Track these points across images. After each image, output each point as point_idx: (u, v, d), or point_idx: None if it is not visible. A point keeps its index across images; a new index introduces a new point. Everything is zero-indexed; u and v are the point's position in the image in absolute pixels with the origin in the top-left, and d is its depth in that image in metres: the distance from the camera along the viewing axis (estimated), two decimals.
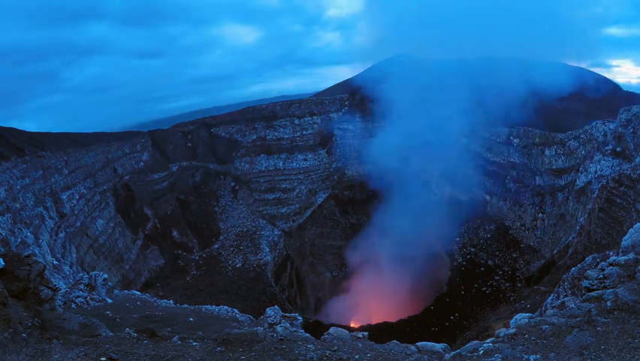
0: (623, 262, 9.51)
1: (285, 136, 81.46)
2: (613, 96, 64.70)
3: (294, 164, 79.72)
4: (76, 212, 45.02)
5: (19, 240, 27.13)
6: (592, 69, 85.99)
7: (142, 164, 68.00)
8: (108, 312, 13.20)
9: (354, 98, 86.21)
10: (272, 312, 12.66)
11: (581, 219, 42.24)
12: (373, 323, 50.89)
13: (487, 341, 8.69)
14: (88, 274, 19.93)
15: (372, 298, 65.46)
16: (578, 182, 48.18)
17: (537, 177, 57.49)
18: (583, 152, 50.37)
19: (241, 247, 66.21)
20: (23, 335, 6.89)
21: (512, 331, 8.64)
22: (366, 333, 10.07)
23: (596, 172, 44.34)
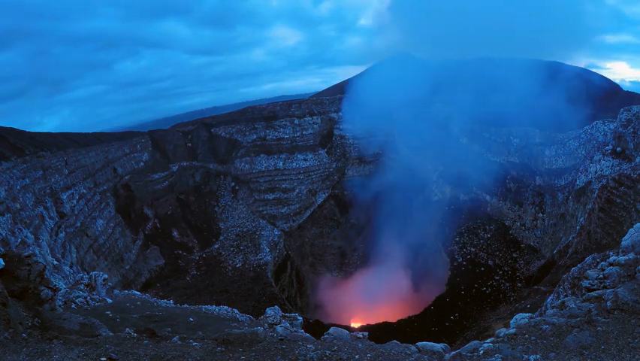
0: (623, 262, 9.50)
1: (285, 136, 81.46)
2: (613, 96, 64.66)
3: (294, 164, 79.71)
4: (76, 212, 45.01)
5: (19, 240, 27.12)
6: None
7: (142, 164, 68.00)
8: (108, 312, 13.19)
9: (354, 97, 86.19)
10: (272, 312, 12.65)
11: (581, 219, 42.23)
12: (373, 323, 50.85)
13: (487, 341, 8.69)
14: (88, 274, 19.93)
15: (372, 298, 65.44)
16: (578, 182, 48.17)
17: (537, 177, 57.47)
18: (583, 152, 50.37)
19: (241, 247, 66.21)
20: (23, 335, 6.89)
21: (512, 331, 8.64)
22: (366, 333, 10.06)
23: (596, 172, 44.34)
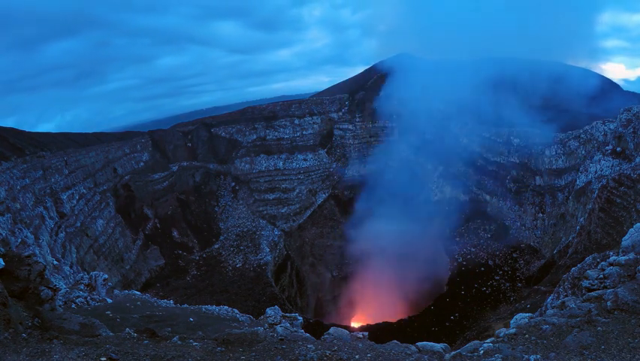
0: (623, 262, 9.50)
1: (285, 136, 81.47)
2: (613, 96, 64.63)
3: (294, 164, 79.71)
4: (76, 212, 45.02)
5: (19, 240, 27.11)
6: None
7: (142, 164, 68.01)
8: (108, 312, 13.19)
9: (354, 97, 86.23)
10: (272, 312, 12.65)
11: (581, 219, 42.19)
12: (373, 323, 50.88)
13: (488, 341, 8.69)
14: (88, 274, 19.92)
15: (372, 298, 65.46)
16: (578, 182, 48.13)
17: (537, 177, 57.44)
18: (583, 152, 50.33)
19: (241, 247, 66.20)
20: (23, 335, 6.89)
21: (512, 331, 8.64)
22: (366, 333, 10.06)
23: (596, 172, 44.30)
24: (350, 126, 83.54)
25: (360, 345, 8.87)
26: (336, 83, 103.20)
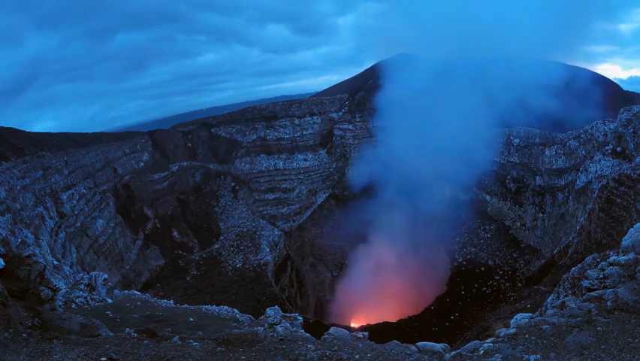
0: (623, 262, 9.51)
1: (285, 136, 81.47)
2: (613, 96, 64.64)
3: (294, 164, 79.72)
4: (76, 212, 44.99)
5: (20, 240, 27.10)
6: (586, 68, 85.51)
7: (142, 164, 67.99)
8: (108, 312, 13.19)
9: (354, 97, 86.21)
10: (272, 312, 12.66)
11: (581, 219, 42.19)
12: (373, 323, 50.87)
13: (488, 341, 8.70)
14: (88, 274, 19.91)
15: (372, 298, 65.45)
16: (578, 182, 48.14)
17: (537, 177, 57.45)
18: (583, 152, 50.34)
19: (241, 247, 66.20)
20: (24, 335, 6.89)
21: (512, 331, 8.64)
22: (366, 333, 10.07)
23: (596, 172, 44.30)
24: (350, 126, 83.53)
25: (360, 345, 8.87)
26: (336, 83, 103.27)
